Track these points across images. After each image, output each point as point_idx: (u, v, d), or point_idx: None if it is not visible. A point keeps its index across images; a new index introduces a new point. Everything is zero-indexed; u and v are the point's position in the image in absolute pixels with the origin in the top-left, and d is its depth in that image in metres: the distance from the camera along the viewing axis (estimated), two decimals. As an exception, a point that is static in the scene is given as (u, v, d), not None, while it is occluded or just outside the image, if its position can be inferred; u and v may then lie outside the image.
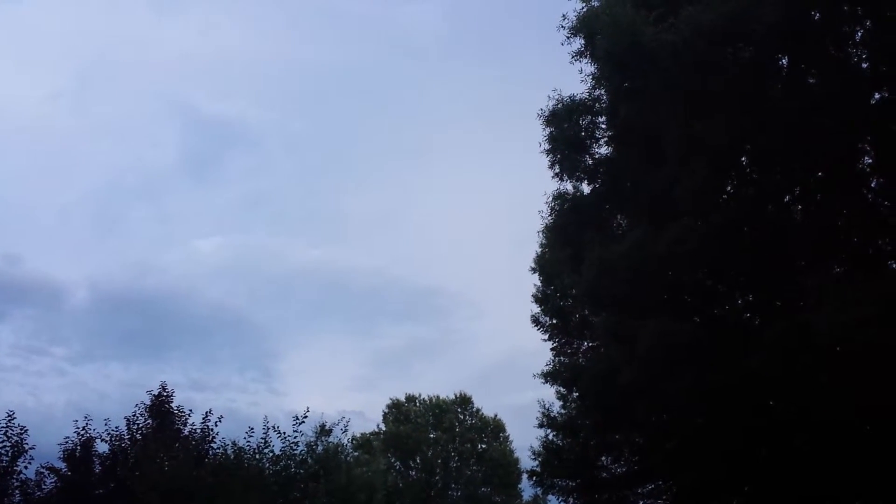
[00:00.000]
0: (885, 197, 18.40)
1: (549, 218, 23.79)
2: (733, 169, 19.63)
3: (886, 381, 15.45)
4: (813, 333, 15.57)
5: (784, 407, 18.38)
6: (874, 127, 17.20)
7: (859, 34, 17.79)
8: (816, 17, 17.28)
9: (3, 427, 24.82)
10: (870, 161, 18.49)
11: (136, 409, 27.07)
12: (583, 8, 20.33)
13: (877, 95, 17.72)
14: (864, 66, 17.72)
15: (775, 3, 16.05)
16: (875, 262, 18.00)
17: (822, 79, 17.50)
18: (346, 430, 29.53)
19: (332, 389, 79.64)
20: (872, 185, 18.66)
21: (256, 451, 25.53)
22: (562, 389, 31.33)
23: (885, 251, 18.34)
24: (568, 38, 20.65)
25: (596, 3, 20.16)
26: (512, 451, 53.87)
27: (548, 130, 21.95)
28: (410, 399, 56.13)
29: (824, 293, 16.19)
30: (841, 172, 18.12)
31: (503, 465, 52.81)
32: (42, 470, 25.81)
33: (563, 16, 20.62)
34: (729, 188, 20.10)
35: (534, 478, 31.49)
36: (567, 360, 30.70)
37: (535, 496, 46.44)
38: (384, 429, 54.38)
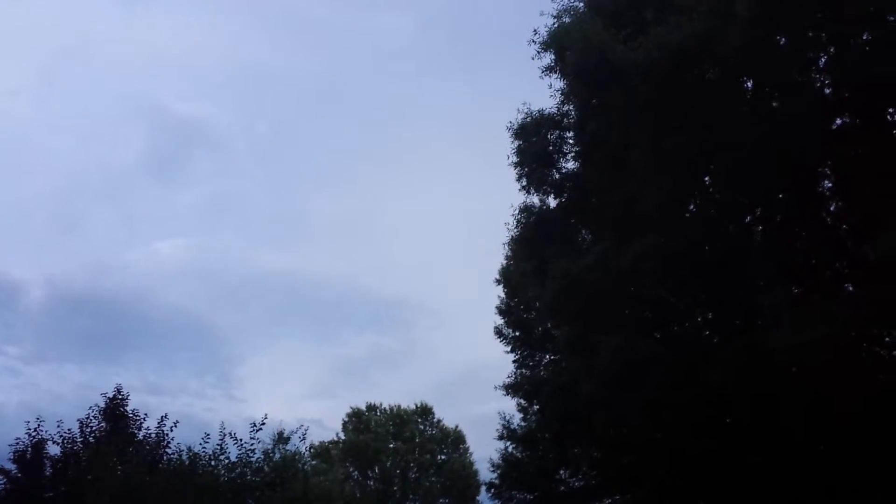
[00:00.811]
0: (843, 221, 18.76)
1: (515, 230, 23.94)
2: (696, 187, 19.90)
3: (840, 401, 15.72)
4: (770, 352, 15.79)
5: (740, 423, 18.59)
6: (835, 152, 17.54)
7: (823, 60, 18.16)
8: (782, 42, 17.60)
9: (-50, 426, 24.20)
10: (829, 185, 18.85)
11: (90, 411, 26.56)
12: (554, 24, 20.57)
13: (838, 121, 18.10)
14: (827, 91, 18.08)
15: (741, 27, 16.33)
16: (833, 284, 18.34)
17: (786, 102, 17.82)
18: (304, 439, 29.18)
19: (292, 397, 78.84)
20: (832, 208, 19.02)
21: (212, 457, 25.12)
22: (522, 402, 31.33)
23: (843, 274, 18.69)
24: (538, 52, 20.88)
25: (567, 20, 20.38)
26: (471, 463, 53.75)
27: (516, 143, 22.12)
28: (371, 408, 55.78)
29: (782, 313, 16.44)
30: (801, 195, 18.45)
31: (462, 477, 52.65)
32: (-10, 471, 25.22)
33: (535, 31, 20.87)
34: (692, 206, 20.37)
35: (492, 490, 31.41)
36: (528, 373, 30.72)
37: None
38: (343, 437, 53.96)
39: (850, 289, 18.41)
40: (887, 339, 17.91)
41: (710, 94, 17.95)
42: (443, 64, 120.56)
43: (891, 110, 17.40)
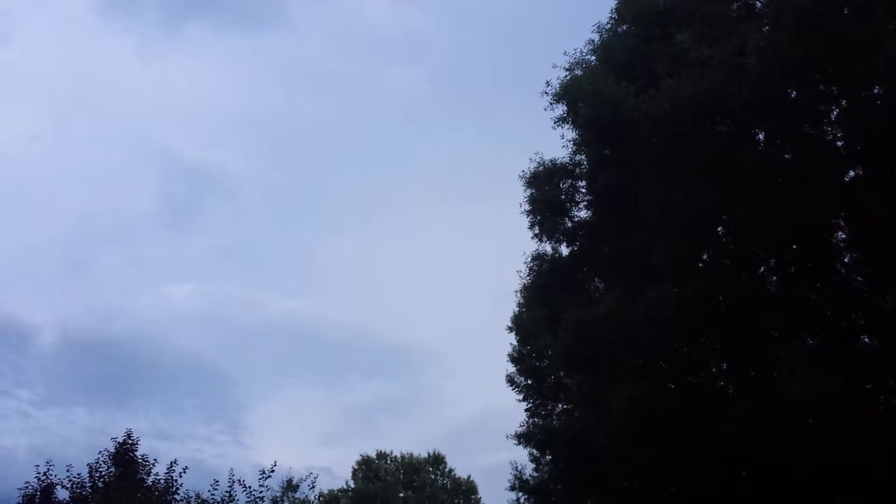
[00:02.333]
0: (858, 272, 18.71)
1: (528, 278, 24.01)
2: (709, 238, 19.93)
3: (855, 453, 15.50)
4: (785, 404, 15.64)
5: (755, 476, 18.32)
6: (848, 203, 17.58)
7: (835, 113, 18.32)
8: (793, 95, 17.78)
9: (-40, 470, 24.13)
10: (843, 236, 18.84)
11: (100, 455, 26.40)
12: (566, 76, 20.85)
13: (851, 172, 18.18)
14: (839, 143, 18.20)
15: (752, 80, 16.53)
16: (847, 335, 18.21)
17: (797, 154, 17.94)
18: (313, 486, 29.03)
19: (300, 444, 78.08)
20: (846, 259, 18.98)
21: (221, 503, 24.94)
22: (535, 451, 31.00)
23: (858, 325, 18.57)
24: (551, 104, 21.13)
25: (578, 72, 20.67)
26: (483, 514, 53.03)
27: (529, 192, 22.32)
28: (381, 456, 55.27)
29: (797, 364, 16.32)
30: (815, 246, 18.46)
31: (473, 528, 51.92)
32: (-1, 515, 25.08)
33: (547, 82, 21.15)
34: (705, 256, 20.37)
35: (503, 542, 30.96)
36: (541, 422, 30.45)
37: (505, 561, 45.51)
38: (353, 486, 53.38)
39: (866, 340, 18.27)
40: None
41: (721, 146, 18.09)
42: (454, 114, 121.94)
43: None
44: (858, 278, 18.67)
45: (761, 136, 19.19)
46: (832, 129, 18.43)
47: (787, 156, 18.62)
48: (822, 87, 17.68)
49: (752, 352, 18.77)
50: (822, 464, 16.23)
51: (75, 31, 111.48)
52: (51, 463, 26.24)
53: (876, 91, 17.09)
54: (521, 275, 24.15)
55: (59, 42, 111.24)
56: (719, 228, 20.06)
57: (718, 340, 19.82)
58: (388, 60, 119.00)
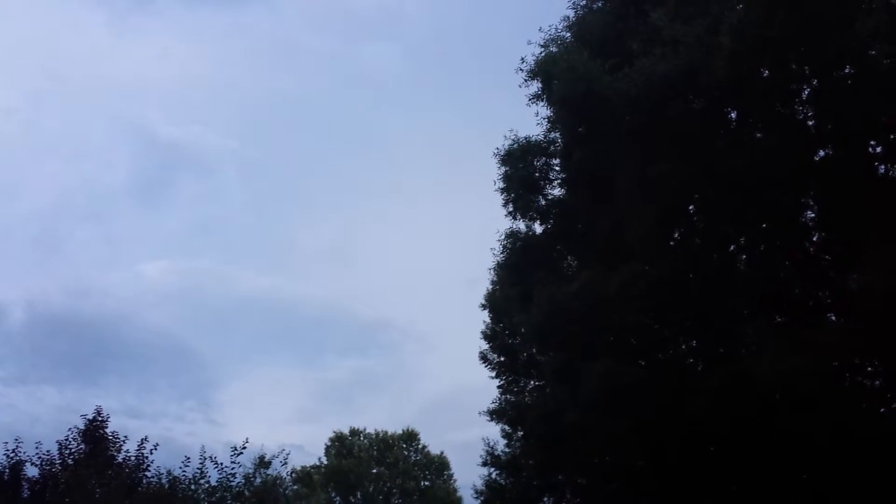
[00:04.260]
0: (826, 251, 18.95)
1: (501, 256, 24.06)
2: (681, 216, 20.05)
3: (821, 431, 15.76)
4: (752, 381, 15.86)
5: (723, 451, 18.60)
6: (818, 183, 17.76)
7: (807, 92, 18.44)
8: (765, 75, 17.86)
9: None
10: (812, 216, 19.05)
11: (69, 433, 26.22)
12: (541, 53, 20.77)
13: (821, 152, 18.34)
14: (810, 123, 18.33)
15: (725, 59, 16.57)
16: (815, 314, 18.48)
17: (769, 133, 18.06)
18: (285, 463, 28.92)
19: (273, 421, 78.19)
20: (815, 238, 19.21)
21: (192, 481, 24.88)
22: (507, 428, 31.26)
23: (825, 303, 18.84)
24: (525, 81, 21.06)
25: (554, 49, 20.59)
26: (455, 490, 53.45)
27: (503, 169, 22.28)
28: (355, 433, 55.46)
29: (765, 342, 16.54)
30: (784, 225, 18.64)
31: (445, 504, 52.36)
32: (-34, 493, 24.77)
33: (522, 59, 21.06)
34: (676, 235, 20.51)
35: (476, 517, 31.22)
36: (513, 399, 30.67)
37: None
38: (326, 462, 53.52)
39: (833, 318, 18.54)
40: (869, 368, 18.03)
41: (694, 125, 18.16)
42: (429, 91, 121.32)
43: (872, 142, 17.66)
44: (826, 257, 18.91)
45: (734, 115, 19.29)
46: (803, 109, 18.55)
47: (758, 135, 18.74)
48: (794, 67, 17.76)
49: (722, 329, 18.99)
50: (787, 438, 16.51)
51: (46, 2, 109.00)
52: (19, 440, 26.02)
53: (847, 71, 17.23)
54: (495, 253, 24.21)
55: (30, 14, 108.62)
56: (691, 207, 20.18)
57: (688, 318, 20.01)
58: (365, 37, 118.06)
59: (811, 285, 18.61)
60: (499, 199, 22.51)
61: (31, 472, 25.73)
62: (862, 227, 16.15)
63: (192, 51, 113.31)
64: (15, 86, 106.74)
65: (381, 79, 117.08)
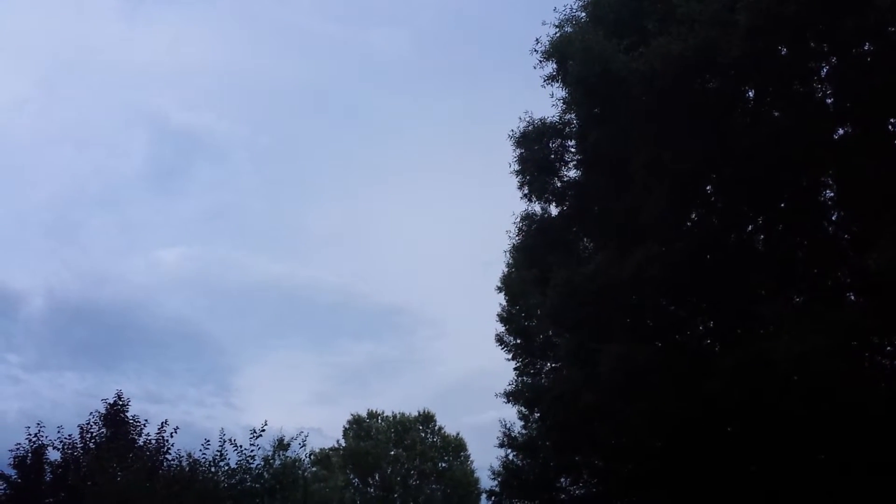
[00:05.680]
0: (845, 230, 18.77)
1: (517, 238, 24.01)
2: (698, 197, 19.92)
3: (840, 410, 15.71)
4: (771, 361, 15.79)
5: (740, 432, 18.58)
6: (836, 161, 17.57)
7: (825, 70, 18.20)
8: (783, 53, 17.65)
9: (-48, 432, 24.22)
10: (831, 195, 18.87)
11: (91, 417, 26.60)
12: (556, 33, 20.58)
13: (840, 130, 18.13)
14: (829, 101, 18.11)
15: (742, 36, 16.37)
16: (834, 293, 18.34)
17: (787, 112, 17.86)
18: (304, 445, 29.09)
19: (291, 405, 78.61)
20: (833, 218, 19.03)
21: (212, 463, 25.09)
22: (523, 409, 31.38)
23: (844, 283, 18.70)
24: (540, 61, 20.91)
25: (568, 30, 20.41)
26: (472, 471, 53.73)
27: (518, 151, 22.15)
28: (372, 415, 55.77)
29: (783, 323, 16.45)
30: (803, 204, 18.48)
31: (463, 485, 52.61)
32: (-9, 476, 25.23)
33: (537, 40, 20.89)
34: (693, 215, 20.38)
35: (493, 498, 31.47)
36: (529, 381, 30.77)
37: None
38: (344, 444, 53.92)
39: (852, 298, 18.41)
40: (888, 348, 17.92)
41: (711, 104, 17.99)
42: (441, 74, 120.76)
43: (892, 120, 17.43)
44: (845, 236, 18.73)
45: (751, 94, 19.08)
46: (822, 87, 18.31)
47: (776, 113, 18.53)
48: (812, 45, 17.52)
49: (739, 310, 18.90)
50: (805, 420, 16.46)
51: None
52: (41, 425, 26.44)
53: (866, 48, 16.98)
54: (511, 235, 24.17)
55: (42, 3, 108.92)
56: (708, 187, 20.04)
57: (705, 299, 19.93)
58: (374, 22, 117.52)
59: (830, 265, 18.45)
60: (514, 181, 22.44)
61: (54, 455, 26.20)
62: (881, 205, 16.00)
63: (204, 37, 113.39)
64: (28, 74, 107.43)
65: (392, 62, 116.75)
